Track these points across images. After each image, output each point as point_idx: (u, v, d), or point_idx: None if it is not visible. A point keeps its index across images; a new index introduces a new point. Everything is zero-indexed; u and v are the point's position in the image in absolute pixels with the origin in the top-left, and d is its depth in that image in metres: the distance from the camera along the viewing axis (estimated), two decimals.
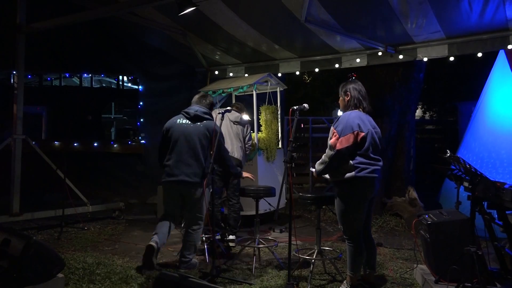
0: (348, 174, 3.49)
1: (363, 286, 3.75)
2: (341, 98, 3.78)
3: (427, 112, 15.98)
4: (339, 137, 3.48)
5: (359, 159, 3.50)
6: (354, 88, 3.71)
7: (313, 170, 3.77)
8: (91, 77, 12.71)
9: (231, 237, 5.19)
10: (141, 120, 9.18)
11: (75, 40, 8.22)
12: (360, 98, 3.68)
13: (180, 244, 5.07)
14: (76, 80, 13.09)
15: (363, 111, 3.66)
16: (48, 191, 7.42)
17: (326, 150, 3.58)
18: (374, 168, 3.54)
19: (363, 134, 3.49)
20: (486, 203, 3.24)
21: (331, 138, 3.57)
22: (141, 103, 9.06)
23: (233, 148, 5.26)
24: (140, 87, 9.26)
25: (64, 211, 5.79)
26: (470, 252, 3.09)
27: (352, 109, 3.67)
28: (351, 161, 3.49)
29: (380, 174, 3.64)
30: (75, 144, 9.13)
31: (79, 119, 11.08)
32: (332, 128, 3.61)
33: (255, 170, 6.13)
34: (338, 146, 3.46)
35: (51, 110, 10.46)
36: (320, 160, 3.63)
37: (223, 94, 6.94)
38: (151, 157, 8.66)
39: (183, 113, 4.35)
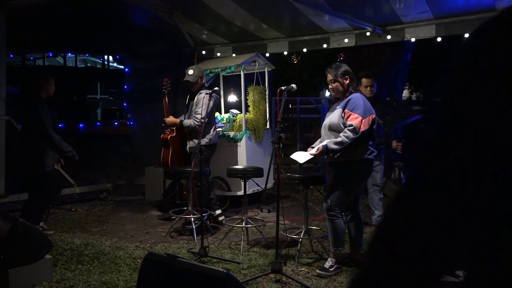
0: (361, 156, 3.59)
1: (348, 264, 3.83)
2: (338, 82, 3.66)
3: (414, 93, 16.11)
4: (362, 120, 3.49)
5: (370, 141, 3.65)
6: (352, 72, 3.72)
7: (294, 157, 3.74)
8: (76, 57, 12.40)
9: (218, 211, 5.22)
10: (128, 100, 9.04)
11: (59, 18, 7.96)
12: (355, 81, 3.73)
13: (168, 225, 5.09)
14: (60, 59, 12.77)
15: None
16: None
17: (346, 131, 3.49)
18: (375, 152, 3.71)
19: (374, 116, 3.61)
20: None
21: (344, 119, 3.55)
22: (127, 83, 8.89)
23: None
24: (126, 67, 9.08)
25: None
26: None
27: (353, 92, 3.66)
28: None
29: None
30: (60, 125, 8.98)
31: (64, 100, 10.88)
32: (346, 110, 3.55)
33: (243, 150, 6.13)
34: (362, 128, 3.49)
35: None
36: (337, 140, 3.51)
37: (211, 75, 6.87)
38: (138, 138, 8.59)
39: None
